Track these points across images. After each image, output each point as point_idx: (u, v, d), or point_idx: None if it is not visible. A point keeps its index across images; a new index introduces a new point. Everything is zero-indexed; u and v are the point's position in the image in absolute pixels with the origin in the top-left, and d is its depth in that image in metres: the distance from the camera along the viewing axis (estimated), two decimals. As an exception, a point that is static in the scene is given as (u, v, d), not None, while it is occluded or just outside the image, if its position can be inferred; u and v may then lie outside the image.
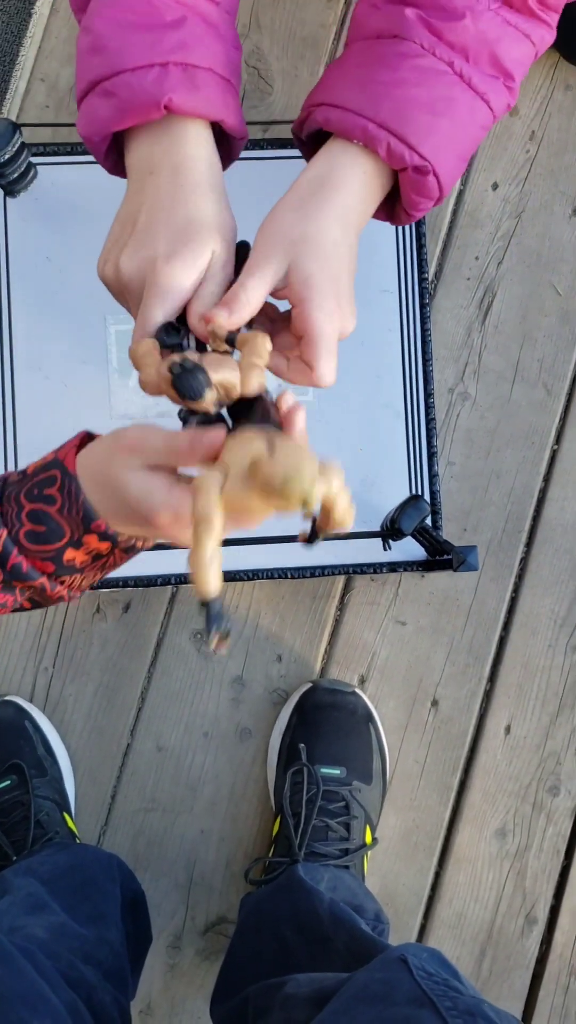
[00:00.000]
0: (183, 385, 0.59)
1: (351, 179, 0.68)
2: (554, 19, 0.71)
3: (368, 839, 0.97)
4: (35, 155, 0.97)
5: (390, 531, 0.94)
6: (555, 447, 1.07)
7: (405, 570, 0.98)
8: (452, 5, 0.67)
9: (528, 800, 1.04)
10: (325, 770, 0.97)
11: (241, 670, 1.04)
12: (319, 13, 1.08)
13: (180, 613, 1.04)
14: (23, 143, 0.91)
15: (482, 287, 1.07)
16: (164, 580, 0.96)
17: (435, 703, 1.04)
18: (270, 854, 0.97)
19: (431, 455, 1.00)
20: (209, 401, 0.60)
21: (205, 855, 1.03)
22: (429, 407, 1.00)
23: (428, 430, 1.00)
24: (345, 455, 1.00)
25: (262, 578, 0.97)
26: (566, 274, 1.08)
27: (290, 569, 0.97)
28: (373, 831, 0.99)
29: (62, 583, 0.63)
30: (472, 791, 1.04)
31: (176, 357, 0.60)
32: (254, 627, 1.04)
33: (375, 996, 0.62)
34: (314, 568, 0.97)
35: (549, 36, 0.72)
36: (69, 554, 0.61)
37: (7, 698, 1.01)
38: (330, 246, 0.67)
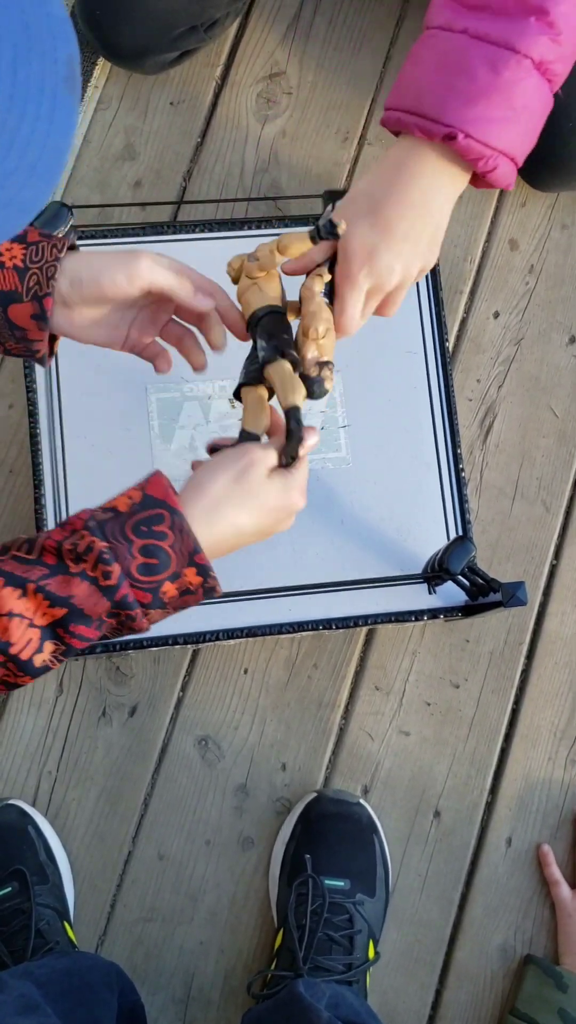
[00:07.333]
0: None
1: (419, 167, 0.73)
2: None
3: (371, 954, 0.96)
4: (80, 238, 1.02)
5: (436, 573, 0.95)
6: (554, 562, 1.11)
7: (446, 616, 1.00)
8: None
9: (530, 915, 1.04)
10: (330, 882, 0.96)
11: (245, 778, 1.04)
12: (334, 152, 1.16)
13: (185, 718, 1.05)
14: (73, 225, 0.96)
15: (483, 408, 1.12)
16: (185, 639, 0.98)
17: (437, 814, 1.05)
18: (272, 967, 0.96)
19: (463, 502, 1.04)
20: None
21: (204, 968, 1.01)
22: (458, 458, 1.04)
23: (458, 480, 1.04)
24: (381, 506, 1.04)
25: (307, 630, 0.99)
26: (563, 398, 1.13)
27: (334, 620, 0.99)
28: (376, 945, 0.98)
29: (147, 616, 0.69)
30: (474, 905, 1.04)
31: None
32: (259, 734, 1.05)
33: None
34: (357, 618, 0.99)
35: None
36: (166, 586, 0.68)
37: (10, 802, 1.01)
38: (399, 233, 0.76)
